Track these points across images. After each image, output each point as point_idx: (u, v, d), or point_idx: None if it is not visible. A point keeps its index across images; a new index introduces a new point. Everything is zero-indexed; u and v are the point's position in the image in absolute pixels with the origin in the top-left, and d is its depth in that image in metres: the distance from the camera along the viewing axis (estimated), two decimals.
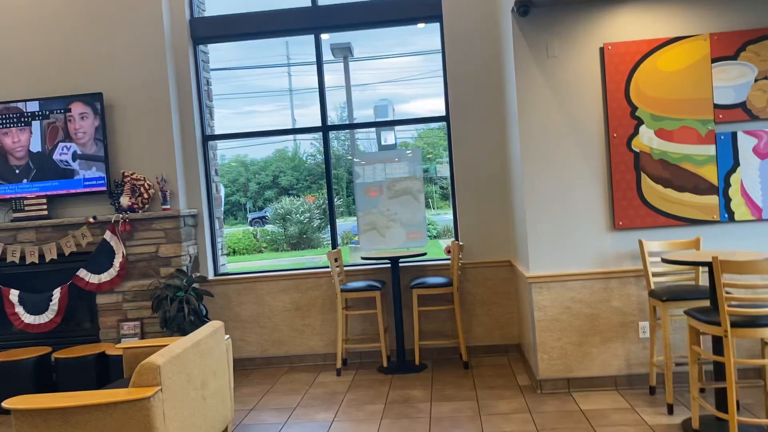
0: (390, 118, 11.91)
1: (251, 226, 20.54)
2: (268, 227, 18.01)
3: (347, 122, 14.24)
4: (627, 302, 4.58)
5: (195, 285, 5.65)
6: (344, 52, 11.24)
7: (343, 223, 17.68)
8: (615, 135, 4.53)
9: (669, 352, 4.04)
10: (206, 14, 6.21)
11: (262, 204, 22.48)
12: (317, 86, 5.98)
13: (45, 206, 5.74)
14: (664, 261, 3.90)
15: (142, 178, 5.73)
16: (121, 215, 5.62)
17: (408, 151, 6.06)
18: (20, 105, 5.72)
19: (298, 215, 16.50)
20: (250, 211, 22.86)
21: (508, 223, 5.74)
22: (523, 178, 4.64)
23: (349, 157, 13.48)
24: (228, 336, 4.24)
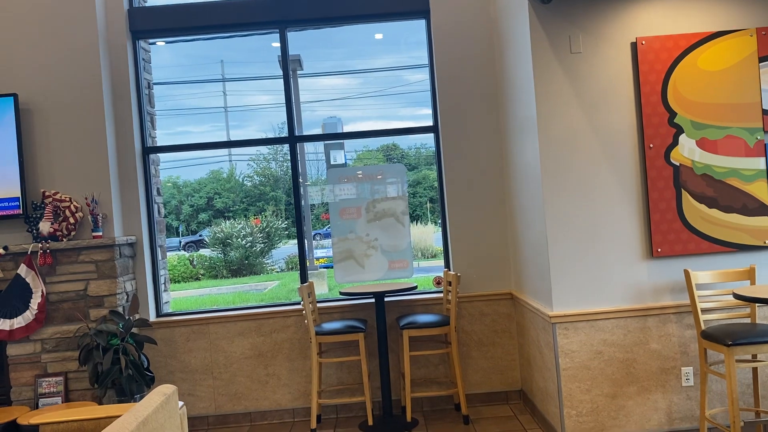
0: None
1: (185, 251, 19.19)
2: (204, 252, 16.74)
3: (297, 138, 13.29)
4: (667, 344, 3.85)
5: (134, 330, 4.61)
6: (293, 65, 10.41)
7: (286, 247, 16.75)
8: (651, 146, 3.82)
9: (736, 408, 3.31)
10: (149, 4, 5.22)
11: (196, 227, 21.16)
12: (283, 92, 5.08)
13: None
14: (738, 298, 3.18)
15: (68, 199, 4.67)
16: (40, 245, 4.53)
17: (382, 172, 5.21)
18: None
19: (239, 239, 15.31)
20: (183, 235, 21.46)
21: (508, 248, 4.97)
22: (545, 199, 3.86)
23: (288, 177, 12.60)
24: (182, 403, 3.26)
